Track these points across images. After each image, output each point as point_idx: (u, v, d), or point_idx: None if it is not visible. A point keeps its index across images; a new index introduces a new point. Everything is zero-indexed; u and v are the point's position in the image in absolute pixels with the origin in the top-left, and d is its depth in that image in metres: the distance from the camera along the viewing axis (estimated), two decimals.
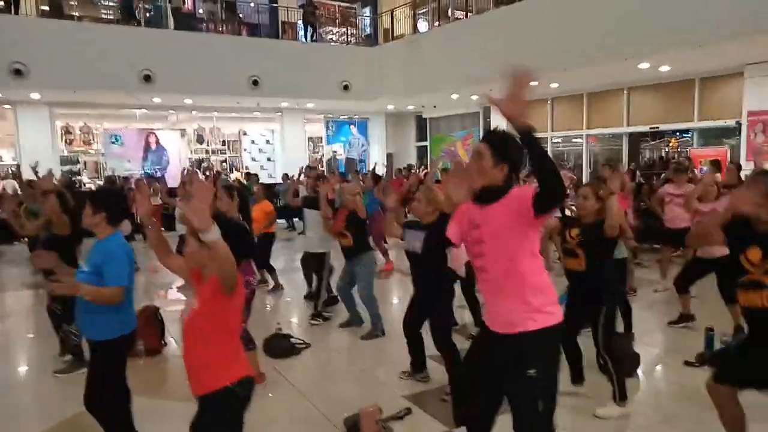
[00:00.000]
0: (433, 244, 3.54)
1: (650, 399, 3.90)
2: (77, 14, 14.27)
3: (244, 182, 11.51)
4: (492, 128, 2.38)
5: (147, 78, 12.32)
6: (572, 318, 3.10)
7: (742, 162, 10.08)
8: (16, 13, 11.68)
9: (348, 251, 5.31)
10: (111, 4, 15.20)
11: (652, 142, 13.70)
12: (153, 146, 15.55)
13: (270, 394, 3.97)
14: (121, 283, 2.76)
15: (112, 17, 14.46)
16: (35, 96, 12.61)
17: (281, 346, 4.75)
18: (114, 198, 3.05)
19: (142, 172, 14.94)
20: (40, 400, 4.15)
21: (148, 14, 14.01)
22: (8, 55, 10.94)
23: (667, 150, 13.49)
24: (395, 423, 3.51)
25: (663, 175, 9.19)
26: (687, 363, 4.32)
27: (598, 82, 12.72)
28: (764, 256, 2.43)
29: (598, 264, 3.47)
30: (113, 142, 15.06)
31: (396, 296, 7.10)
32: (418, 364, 4.17)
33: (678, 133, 12.83)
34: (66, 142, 14.69)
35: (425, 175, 12.39)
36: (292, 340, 4.92)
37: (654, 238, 7.30)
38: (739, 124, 10.64)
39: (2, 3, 11.65)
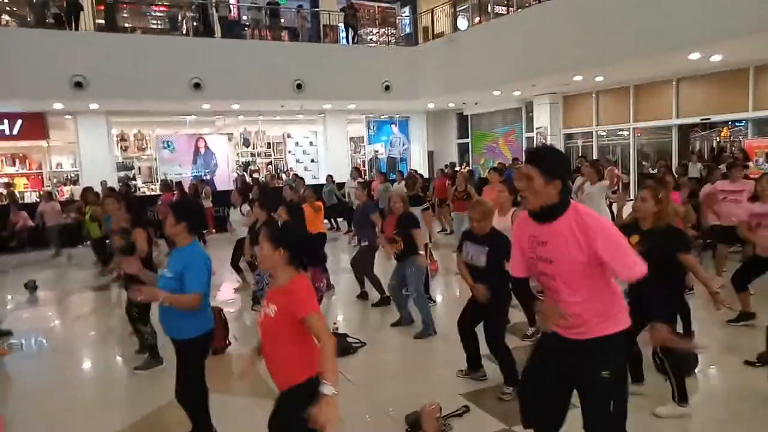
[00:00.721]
0: (495, 260, 3.71)
1: (709, 399, 3.90)
2: (129, 26, 14.96)
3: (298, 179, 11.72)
4: (534, 148, 2.50)
5: (197, 86, 12.80)
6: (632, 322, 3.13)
7: None
8: (76, 28, 12.32)
9: (399, 254, 5.44)
10: (159, 14, 15.86)
11: (702, 133, 13.30)
12: (202, 150, 16.13)
13: None
14: (199, 290, 3.00)
15: (161, 27, 15.05)
16: (94, 106, 13.28)
17: (339, 346, 4.92)
18: (193, 209, 3.29)
19: (193, 174, 15.53)
20: (122, 395, 4.47)
21: (195, 23, 14.52)
22: (69, 69, 11.57)
23: (718, 140, 13.08)
24: (455, 420, 3.64)
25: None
26: (747, 362, 4.28)
27: (644, 74, 12.45)
28: None
29: (662, 275, 3.34)
30: (165, 148, 15.69)
31: (443, 295, 7.19)
32: (474, 363, 4.28)
33: (730, 123, 12.43)
34: (122, 148, 15.39)
35: (468, 171, 12.45)
36: (349, 339, 5.11)
37: (708, 235, 7.12)
38: None
39: (63, 20, 12.25)
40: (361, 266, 6.43)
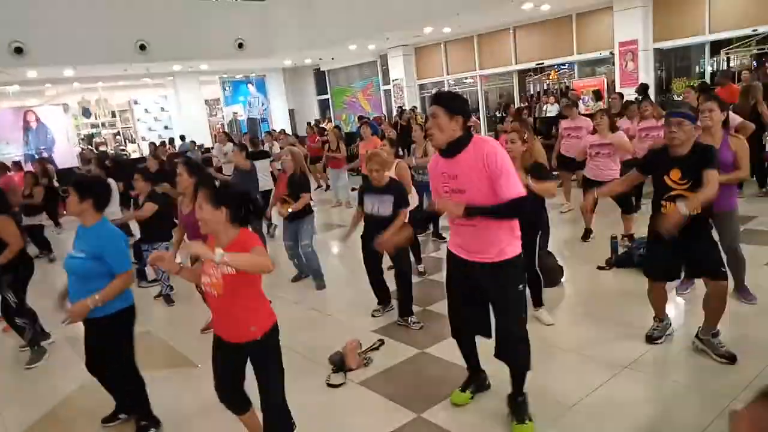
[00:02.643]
0: (399, 207, 4.05)
1: (573, 298, 4.69)
2: None
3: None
4: (437, 91, 2.82)
5: (18, 50, 11.22)
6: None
7: (618, 88, 11.37)
8: None
9: (293, 213, 5.50)
10: None
11: (535, 77, 14.79)
12: (33, 125, 14.29)
13: None
14: (128, 268, 2.90)
15: None
16: None
17: None
18: (99, 185, 3.10)
19: (24, 154, 13.77)
20: (22, 395, 4.11)
21: None
22: None
23: (548, 83, 14.63)
24: (374, 354, 3.97)
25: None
26: (599, 267, 5.17)
27: (486, 24, 13.42)
28: (683, 176, 3.09)
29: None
30: None
31: (331, 248, 7.46)
32: (385, 299, 4.66)
33: (557, 66, 13.96)
34: None
35: (335, 127, 12.61)
36: None
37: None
38: (612, 54, 11.86)
39: None
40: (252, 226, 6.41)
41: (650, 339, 3.61)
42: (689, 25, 10.89)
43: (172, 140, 14.61)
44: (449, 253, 2.91)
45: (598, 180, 5.53)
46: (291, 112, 18.71)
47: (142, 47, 12.68)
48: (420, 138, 6.40)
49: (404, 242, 3.53)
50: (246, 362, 2.61)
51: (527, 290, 3.05)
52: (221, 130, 16.53)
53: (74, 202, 2.92)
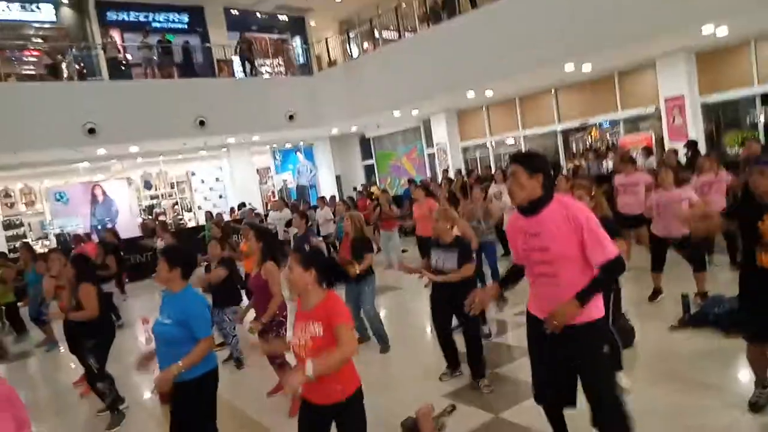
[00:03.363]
0: (463, 262, 4.11)
1: (649, 360, 4.52)
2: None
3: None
4: (517, 151, 2.90)
5: (91, 131, 12.14)
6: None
7: (666, 143, 11.30)
8: None
9: (358, 276, 5.61)
10: (31, 59, 14.82)
11: (577, 135, 14.83)
12: (100, 198, 15.19)
13: None
14: (209, 334, 3.05)
15: (41, 73, 14.07)
16: None
17: None
18: (185, 254, 3.30)
19: (91, 226, 14.57)
20: None
21: (78, 66, 13.76)
22: None
23: (590, 141, 14.56)
24: (446, 419, 3.92)
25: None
26: (672, 327, 5.00)
27: (527, 86, 13.70)
28: None
29: None
30: (58, 200, 14.58)
31: (387, 309, 7.48)
32: (453, 362, 4.63)
33: (599, 124, 13.97)
34: (6, 205, 14.10)
35: (383, 191, 12.91)
36: None
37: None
38: (657, 109, 11.86)
39: None
40: None
41: (753, 407, 3.38)
42: (736, 76, 10.86)
43: (232, 208, 15.29)
44: (528, 314, 2.90)
45: (670, 237, 5.43)
46: (338, 178, 19.26)
47: (201, 123, 13.50)
48: (479, 198, 6.54)
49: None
50: (330, 425, 2.66)
51: None
52: (276, 197, 17.14)
53: (164, 269, 3.11)
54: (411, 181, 13.79)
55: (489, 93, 14.07)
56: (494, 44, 11.12)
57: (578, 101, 13.79)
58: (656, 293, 5.87)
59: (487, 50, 11.27)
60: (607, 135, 13.73)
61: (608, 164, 12.07)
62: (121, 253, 10.78)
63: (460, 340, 4.54)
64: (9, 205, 14.15)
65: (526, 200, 2.68)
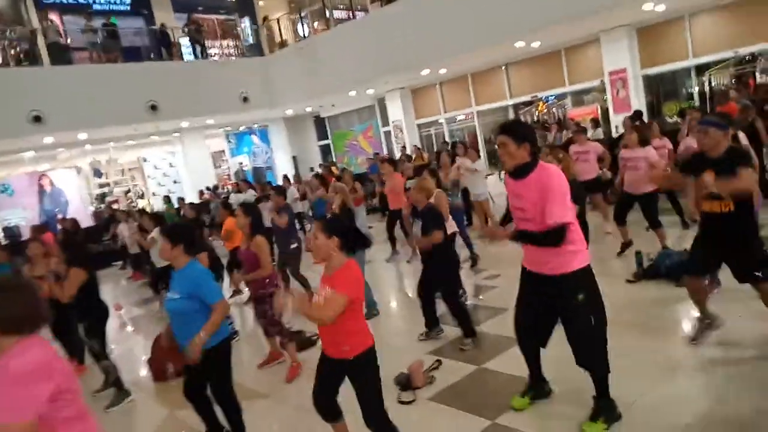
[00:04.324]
0: (433, 228, 4.41)
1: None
2: None
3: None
4: (503, 122, 3.19)
5: (37, 119, 11.66)
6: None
7: (611, 115, 11.96)
8: None
9: None
10: None
11: (526, 109, 15.35)
12: (48, 188, 14.63)
13: None
14: (222, 297, 3.20)
15: None
16: None
17: (299, 341, 5.22)
18: (187, 230, 3.42)
19: (40, 218, 14.04)
20: None
21: (14, 51, 13.08)
22: None
23: (536, 114, 15.07)
24: (435, 373, 4.22)
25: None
26: (628, 281, 5.48)
27: (479, 62, 14.05)
28: (717, 176, 3.38)
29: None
30: (2, 192, 13.96)
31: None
32: (432, 323, 4.93)
33: (545, 98, 14.51)
34: None
35: (344, 170, 13.04)
36: (307, 334, 5.42)
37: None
38: (603, 83, 12.48)
39: None
40: (291, 268, 6.71)
41: (693, 340, 3.87)
42: (674, 50, 11.56)
43: (201, 191, 15.08)
44: (522, 267, 3.23)
45: (636, 193, 5.90)
46: (294, 159, 19.20)
47: (153, 107, 13.18)
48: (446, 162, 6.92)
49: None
50: (342, 377, 2.90)
51: None
52: (232, 180, 16.95)
53: (166, 248, 3.23)
54: (378, 156, 14.07)
55: (443, 71, 14.37)
56: (447, 23, 11.34)
57: (528, 76, 14.29)
58: (625, 245, 6.27)
59: (440, 29, 11.47)
60: (553, 109, 14.32)
61: (553, 136, 12.60)
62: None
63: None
64: None
65: (514, 167, 2.98)
